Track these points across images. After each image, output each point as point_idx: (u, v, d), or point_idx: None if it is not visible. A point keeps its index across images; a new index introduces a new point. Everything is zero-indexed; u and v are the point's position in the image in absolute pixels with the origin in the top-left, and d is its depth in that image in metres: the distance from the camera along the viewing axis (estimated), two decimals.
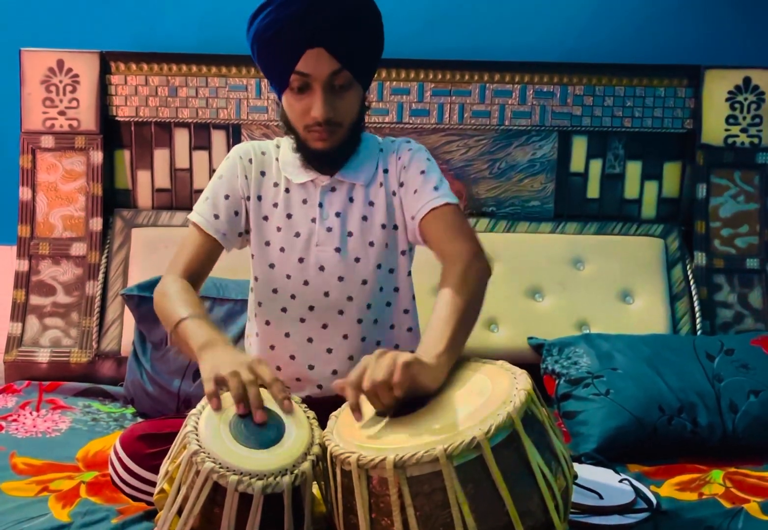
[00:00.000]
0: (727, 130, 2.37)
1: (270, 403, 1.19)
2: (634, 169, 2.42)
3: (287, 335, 1.54)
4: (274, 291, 1.53)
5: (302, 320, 1.53)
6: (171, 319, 1.35)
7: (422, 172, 1.50)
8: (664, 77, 2.37)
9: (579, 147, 2.41)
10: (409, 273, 1.57)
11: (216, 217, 1.50)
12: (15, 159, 2.35)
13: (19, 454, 1.72)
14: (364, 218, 1.52)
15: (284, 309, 1.53)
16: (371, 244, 1.51)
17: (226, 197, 1.51)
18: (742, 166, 2.39)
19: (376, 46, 1.45)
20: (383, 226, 1.52)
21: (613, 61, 2.37)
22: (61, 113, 2.34)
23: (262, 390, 1.19)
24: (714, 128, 2.37)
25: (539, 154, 2.40)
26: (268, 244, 1.53)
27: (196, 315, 1.33)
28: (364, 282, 1.51)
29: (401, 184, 1.51)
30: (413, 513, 1.03)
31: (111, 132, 2.37)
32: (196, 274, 1.47)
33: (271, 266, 1.53)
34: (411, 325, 1.59)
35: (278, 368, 1.55)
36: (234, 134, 2.38)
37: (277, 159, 1.54)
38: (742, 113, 2.37)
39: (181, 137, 2.39)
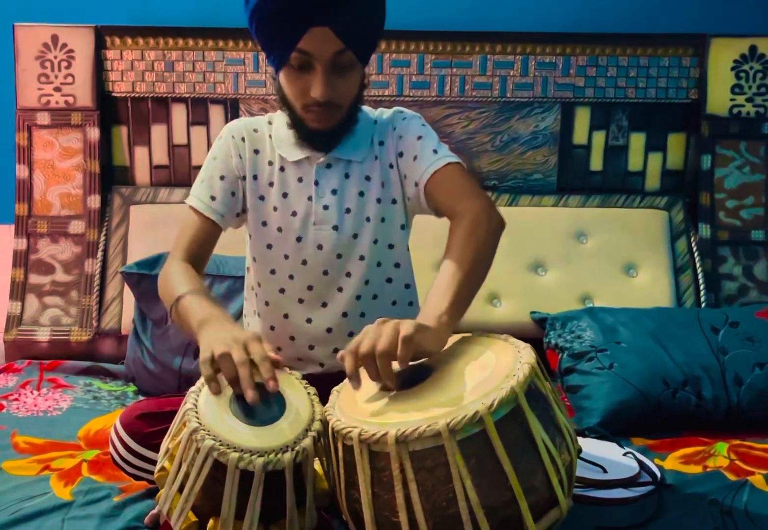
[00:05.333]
0: (732, 99, 2.34)
1: None
2: (638, 141, 2.39)
3: (286, 316, 1.52)
4: (272, 272, 1.51)
5: (300, 300, 1.51)
6: (170, 298, 1.33)
7: (419, 138, 1.47)
8: (668, 46, 2.33)
9: (582, 119, 2.38)
10: (408, 248, 1.55)
11: (213, 198, 1.47)
12: (11, 136, 2.33)
13: (21, 433, 1.71)
14: (361, 194, 1.49)
15: (282, 290, 1.52)
16: (368, 219, 1.49)
17: (222, 178, 1.49)
18: (748, 136, 2.36)
19: (380, 24, 1.41)
20: (379, 201, 1.49)
21: (616, 31, 2.34)
22: (57, 89, 2.31)
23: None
24: (719, 98, 2.34)
25: (542, 126, 2.37)
26: (265, 224, 1.51)
27: (195, 291, 1.31)
28: (362, 258, 1.50)
29: (400, 154, 1.49)
30: (415, 487, 1.02)
31: (107, 108, 2.35)
32: (197, 257, 1.45)
33: (269, 247, 1.51)
34: (412, 300, 1.58)
35: (278, 349, 1.53)
36: (232, 109, 2.35)
37: (270, 136, 1.51)
38: (747, 82, 2.33)
39: (179, 113, 2.36)
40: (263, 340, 1.17)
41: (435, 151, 1.45)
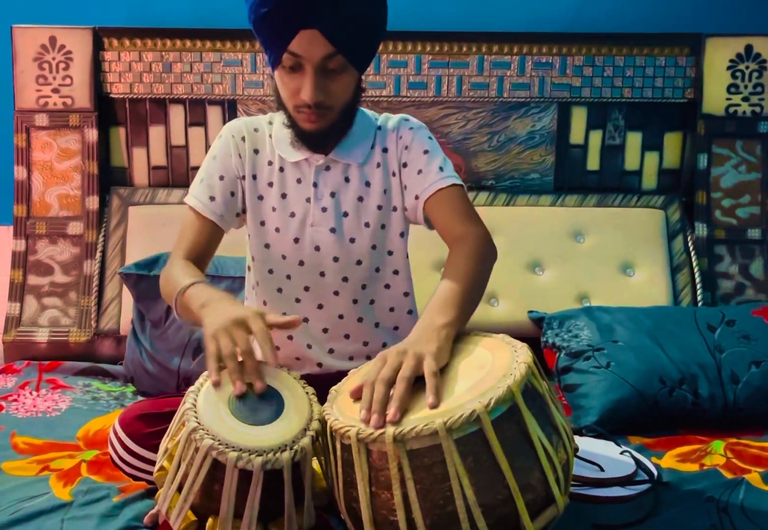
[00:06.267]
0: (728, 99, 2.35)
1: (271, 379, 1.19)
2: (634, 140, 2.40)
3: (284, 315, 1.53)
4: (270, 271, 1.52)
5: (298, 300, 1.52)
6: (174, 292, 1.33)
7: (426, 152, 1.47)
8: (664, 46, 2.34)
9: (578, 118, 2.38)
10: (407, 256, 1.56)
11: (212, 199, 1.48)
12: (9, 138, 2.33)
13: (20, 434, 1.72)
14: (360, 199, 1.50)
15: (280, 290, 1.52)
16: (367, 224, 1.50)
17: (221, 178, 1.49)
18: (744, 135, 2.37)
19: (376, 30, 1.40)
20: (379, 207, 1.50)
21: (612, 31, 2.34)
22: (55, 91, 2.31)
23: (263, 366, 1.19)
24: (715, 97, 2.34)
25: (538, 126, 2.38)
26: (263, 223, 1.51)
27: (197, 282, 1.32)
28: (359, 262, 1.50)
29: (404, 165, 1.49)
30: (413, 486, 1.03)
31: (105, 109, 2.35)
32: (199, 257, 1.46)
33: (267, 246, 1.51)
34: (411, 308, 1.58)
35: (277, 348, 1.53)
36: (230, 110, 2.35)
37: (270, 136, 1.52)
38: (743, 82, 2.34)
39: (177, 114, 2.36)
40: (265, 313, 1.20)
41: (441, 169, 1.45)
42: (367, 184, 1.50)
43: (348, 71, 1.37)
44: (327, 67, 1.34)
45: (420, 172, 1.46)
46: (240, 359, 1.16)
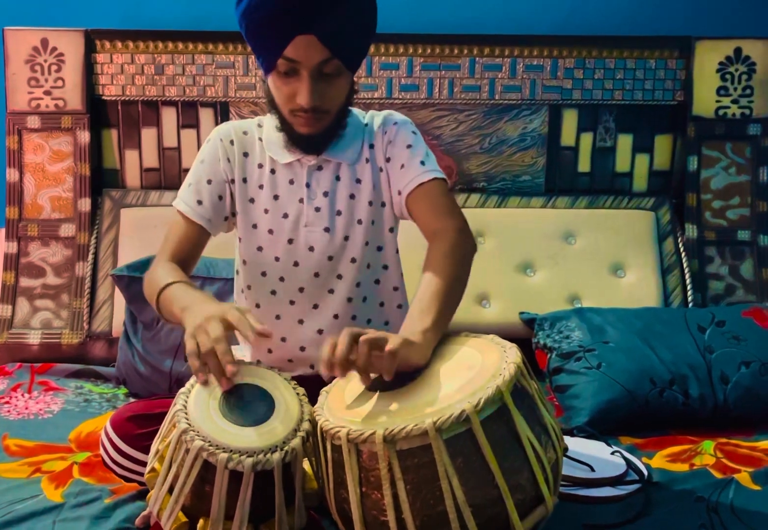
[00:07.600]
0: (718, 101, 2.36)
1: (261, 380, 1.20)
2: (625, 142, 2.41)
3: (278, 317, 1.53)
4: (263, 274, 1.52)
5: (292, 302, 1.52)
6: (155, 291, 1.34)
7: (408, 146, 1.48)
8: (654, 49, 2.35)
9: (569, 120, 2.39)
10: (397, 251, 1.56)
11: (200, 203, 1.48)
12: (1, 140, 2.33)
13: (12, 436, 1.72)
14: (352, 196, 1.50)
15: (273, 292, 1.52)
16: (359, 221, 1.50)
17: (209, 182, 1.49)
18: (734, 137, 2.38)
19: (369, 34, 1.41)
20: (370, 203, 1.50)
21: (603, 34, 2.35)
22: (47, 93, 2.31)
23: (253, 367, 1.19)
24: (705, 100, 2.36)
25: (530, 128, 2.39)
26: (255, 226, 1.51)
27: (178, 282, 1.32)
28: (353, 260, 1.51)
29: (388, 159, 1.49)
30: (403, 486, 1.04)
31: (98, 111, 2.35)
32: (184, 260, 1.46)
33: (260, 249, 1.51)
34: (401, 302, 1.58)
35: (269, 351, 1.54)
36: (222, 112, 2.36)
37: (260, 138, 1.52)
38: (733, 84, 2.35)
39: (169, 116, 2.37)
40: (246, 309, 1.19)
41: (422, 163, 1.46)
42: (358, 180, 1.50)
43: (343, 74, 1.38)
44: (323, 72, 1.34)
45: (402, 166, 1.47)
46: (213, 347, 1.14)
